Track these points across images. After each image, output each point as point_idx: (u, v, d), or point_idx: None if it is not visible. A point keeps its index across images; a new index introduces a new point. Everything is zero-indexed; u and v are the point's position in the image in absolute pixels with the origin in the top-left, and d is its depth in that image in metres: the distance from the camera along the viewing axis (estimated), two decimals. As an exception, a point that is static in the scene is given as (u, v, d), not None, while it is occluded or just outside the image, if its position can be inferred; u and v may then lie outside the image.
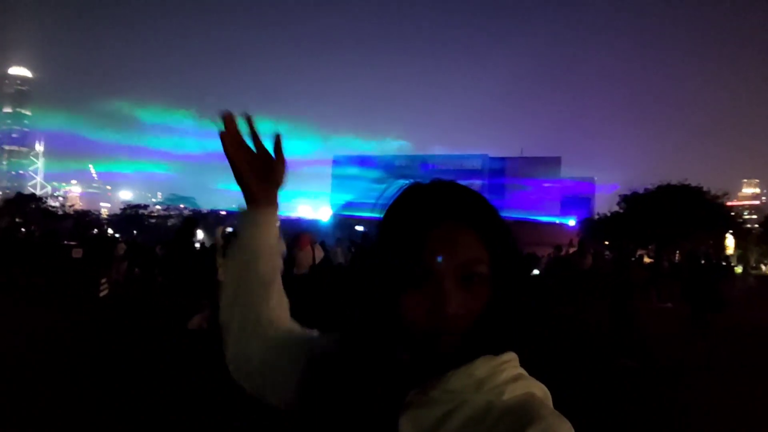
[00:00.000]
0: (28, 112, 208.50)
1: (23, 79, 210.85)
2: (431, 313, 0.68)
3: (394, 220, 0.77)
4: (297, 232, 9.93)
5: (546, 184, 56.44)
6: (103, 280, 12.47)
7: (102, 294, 12.14)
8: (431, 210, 0.74)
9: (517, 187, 55.58)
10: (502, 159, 61.25)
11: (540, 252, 19.13)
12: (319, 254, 9.62)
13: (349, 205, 55.83)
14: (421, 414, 0.70)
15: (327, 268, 10.01)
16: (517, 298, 0.75)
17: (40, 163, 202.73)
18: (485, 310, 0.71)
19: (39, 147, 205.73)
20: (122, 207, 78.68)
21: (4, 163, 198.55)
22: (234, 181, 0.97)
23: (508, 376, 0.71)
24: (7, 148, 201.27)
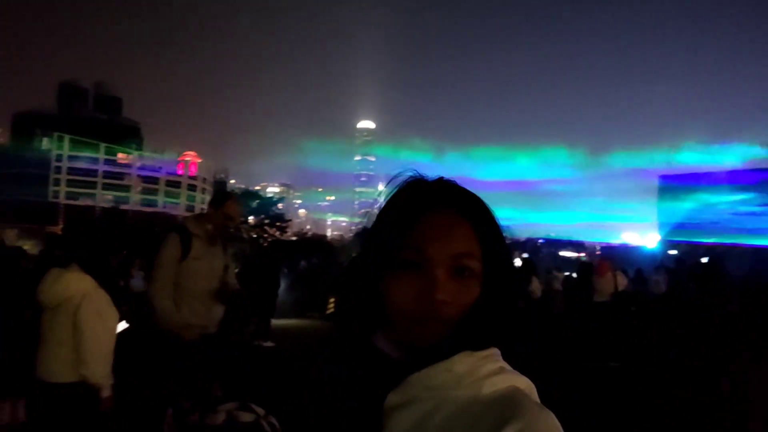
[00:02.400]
0: (372, 158, 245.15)
1: (369, 131, 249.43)
2: (420, 299, 0.71)
3: (393, 205, 0.80)
4: (598, 259, 9.34)
5: None
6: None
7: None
8: (431, 197, 0.77)
9: None
10: None
11: None
12: (622, 282, 8.72)
13: (679, 228, 49.85)
14: (402, 416, 0.70)
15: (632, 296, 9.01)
16: (506, 297, 0.76)
17: (382, 201, 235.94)
18: (472, 307, 0.74)
19: (381, 187, 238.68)
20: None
21: (356, 203, 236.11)
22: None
23: (489, 370, 0.71)
24: (357, 190, 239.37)
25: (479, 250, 0.75)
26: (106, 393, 3.01)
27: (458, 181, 0.82)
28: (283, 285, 11.83)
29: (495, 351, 0.74)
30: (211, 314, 3.64)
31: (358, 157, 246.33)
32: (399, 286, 0.73)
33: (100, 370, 2.99)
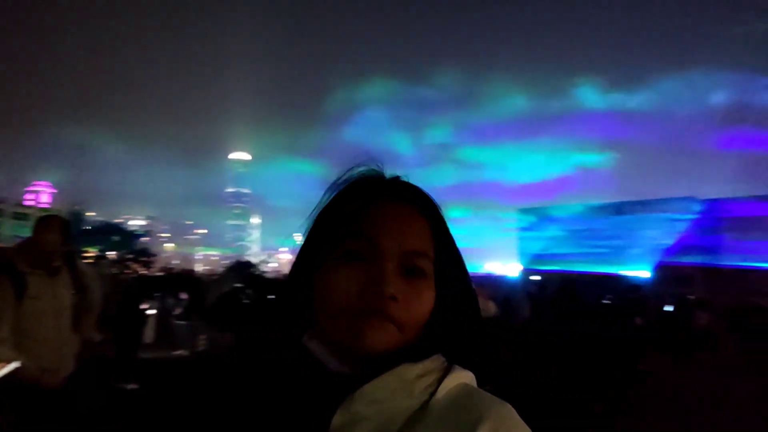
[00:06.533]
0: (247, 190, 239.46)
1: (243, 162, 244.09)
2: (366, 292, 0.66)
3: (345, 195, 0.74)
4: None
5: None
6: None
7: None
8: (388, 189, 0.73)
9: (735, 233, 48.76)
10: (715, 201, 54.23)
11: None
12: (492, 308, 9.17)
13: (538, 257, 53.81)
14: None
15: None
16: (459, 306, 0.72)
17: (257, 234, 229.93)
18: (429, 315, 0.70)
19: (256, 220, 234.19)
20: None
21: (228, 236, 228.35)
22: None
23: (438, 374, 0.67)
24: (230, 223, 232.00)
25: (433, 253, 0.71)
26: None
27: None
28: (148, 322, 11.12)
29: (439, 356, 0.70)
30: (62, 355, 3.24)
31: (231, 189, 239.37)
32: (341, 278, 0.66)
33: None
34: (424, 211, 0.72)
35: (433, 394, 0.64)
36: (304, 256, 0.74)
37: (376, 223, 0.68)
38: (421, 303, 0.68)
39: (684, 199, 55.42)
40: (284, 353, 0.72)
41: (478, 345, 0.73)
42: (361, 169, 0.77)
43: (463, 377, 0.68)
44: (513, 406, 0.62)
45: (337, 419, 0.64)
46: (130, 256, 48.53)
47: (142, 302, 10.53)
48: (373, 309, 0.65)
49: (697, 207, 53.51)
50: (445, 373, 0.67)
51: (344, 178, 0.77)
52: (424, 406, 0.64)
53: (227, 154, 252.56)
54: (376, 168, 0.77)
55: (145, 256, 50.08)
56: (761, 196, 52.00)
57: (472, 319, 0.73)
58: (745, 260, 45.18)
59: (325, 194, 0.76)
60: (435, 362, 0.68)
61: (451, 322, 0.71)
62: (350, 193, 0.74)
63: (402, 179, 0.77)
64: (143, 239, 52.47)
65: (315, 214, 0.76)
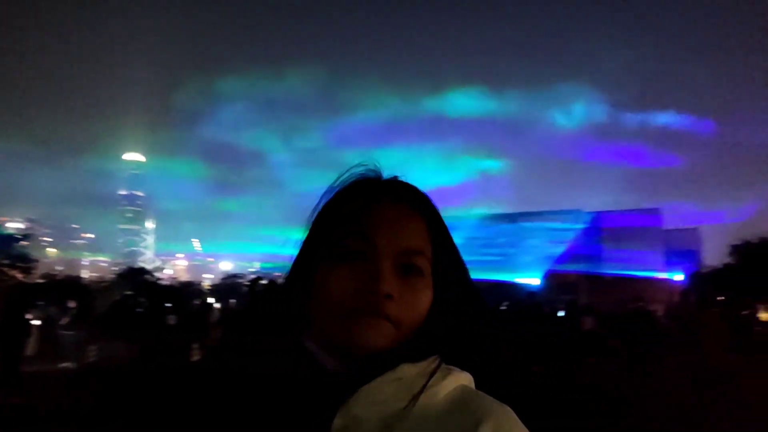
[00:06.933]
0: (141, 193, 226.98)
1: (137, 164, 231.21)
2: (362, 290, 0.66)
3: (343, 196, 0.75)
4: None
5: (646, 238, 53.13)
6: (194, 345, 12.84)
7: (193, 359, 12.45)
8: (384, 189, 0.74)
9: (615, 243, 52.89)
10: (598, 213, 58.71)
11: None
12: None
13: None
14: None
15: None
16: (457, 306, 0.72)
17: (150, 240, 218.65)
18: (426, 314, 0.70)
19: (150, 225, 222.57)
20: (222, 277, 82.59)
21: (120, 241, 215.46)
22: None
23: (437, 375, 0.67)
24: (122, 227, 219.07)
25: (430, 250, 0.71)
26: None
27: None
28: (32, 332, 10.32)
29: (437, 357, 0.70)
30: None
31: (123, 192, 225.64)
32: (338, 276, 0.67)
33: None
34: (422, 210, 0.74)
35: (431, 395, 0.65)
36: (302, 257, 0.75)
37: (374, 222, 0.69)
38: (417, 301, 0.69)
39: (571, 211, 59.49)
40: (277, 356, 0.71)
41: (477, 345, 0.74)
42: (359, 169, 0.79)
43: (461, 379, 0.69)
44: (512, 407, 0.63)
45: (337, 421, 0.64)
46: (6, 262, 44.72)
47: (25, 311, 9.70)
48: (369, 308, 0.65)
49: (583, 218, 57.65)
50: (444, 374, 0.67)
51: (342, 179, 0.78)
52: (423, 408, 0.64)
53: (120, 156, 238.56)
54: (373, 169, 0.79)
55: (23, 261, 46.29)
56: (638, 209, 56.96)
57: (472, 320, 0.74)
58: (622, 268, 49.03)
59: (323, 196, 0.77)
60: (433, 363, 0.68)
61: (450, 322, 0.72)
62: (349, 194, 0.75)
63: (401, 180, 0.78)
64: (22, 243, 48.26)
65: (313, 217, 0.77)
